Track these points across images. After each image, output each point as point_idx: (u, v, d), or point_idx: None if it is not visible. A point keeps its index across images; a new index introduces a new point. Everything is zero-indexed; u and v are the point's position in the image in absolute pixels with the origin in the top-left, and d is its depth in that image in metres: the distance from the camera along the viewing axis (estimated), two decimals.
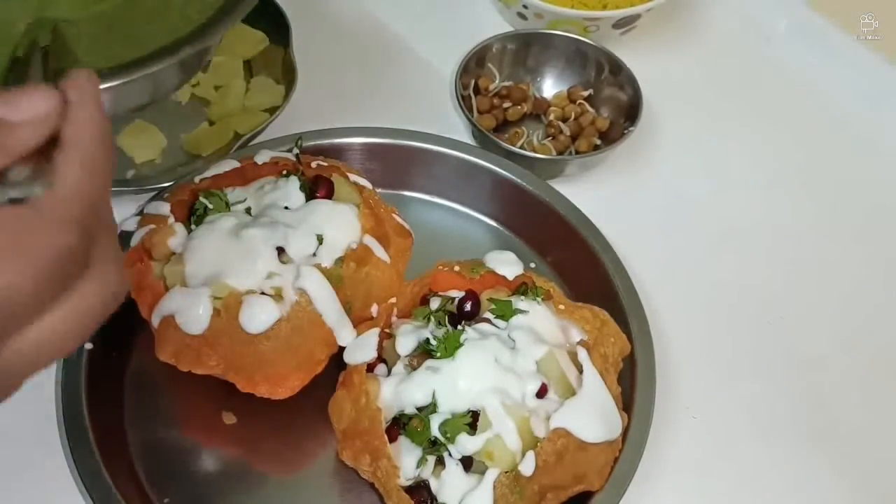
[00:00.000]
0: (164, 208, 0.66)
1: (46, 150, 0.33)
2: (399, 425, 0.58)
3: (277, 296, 0.60)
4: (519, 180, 0.75)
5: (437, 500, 0.57)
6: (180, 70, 0.61)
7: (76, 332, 0.33)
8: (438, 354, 0.59)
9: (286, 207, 0.65)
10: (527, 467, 0.55)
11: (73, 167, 0.32)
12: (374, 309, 0.65)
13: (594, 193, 0.80)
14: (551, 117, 0.86)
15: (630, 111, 0.83)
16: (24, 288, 0.30)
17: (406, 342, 0.61)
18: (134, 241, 0.64)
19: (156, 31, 0.53)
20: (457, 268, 0.66)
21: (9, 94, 0.32)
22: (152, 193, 0.72)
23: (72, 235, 0.31)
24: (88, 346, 0.63)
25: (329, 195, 0.66)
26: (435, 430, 0.57)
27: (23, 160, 0.32)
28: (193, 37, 0.53)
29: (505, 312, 0.62)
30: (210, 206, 0.65)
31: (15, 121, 0.31)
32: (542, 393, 0.58)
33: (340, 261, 0.63)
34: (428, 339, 0.60)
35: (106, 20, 0.54)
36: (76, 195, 0.32)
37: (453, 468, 0.57)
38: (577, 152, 0.82)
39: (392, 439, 0.58)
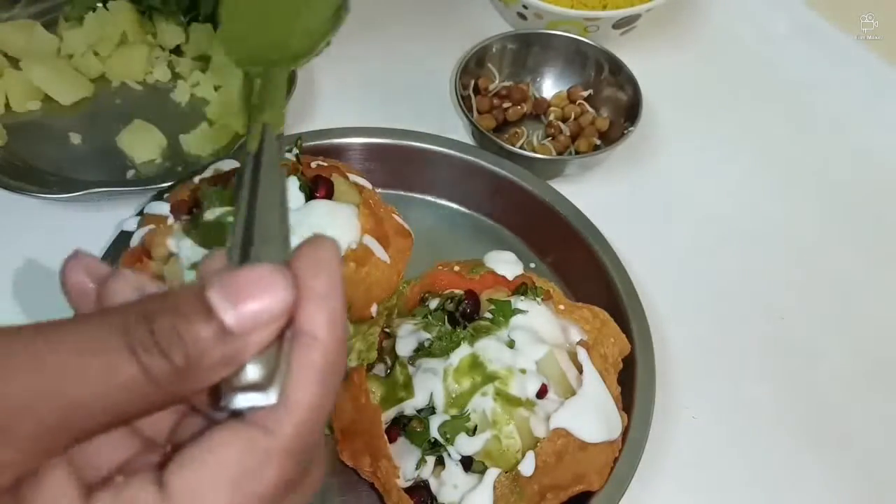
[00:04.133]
0: (164, 208, 0.66)
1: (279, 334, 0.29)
2: (399, 426, 0.58)
3: None
4: (519, 180, 0.75)
5: (437, 500, 0.57)
6: None
7: None
8: (437, 355, 0.59)
9: None
10: (527, 467, 0.55)
11: (311, 387, 0.29)
12: (374, 309, 0.65)
13: (594, 193, 0.80)
14: (551, 117, 0.86)
15: (630, 111, 0.83)
16: None
17: (406, 343, 0.61)
18: (134, 242, 0.64)
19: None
20: (457, 268, 0.66)
21: (233, 277, 0.28)
22: (152, 193, 0.72)
23: (298, 468, 0.30)
24: None
25: (329, 195, 0.66)
26: (434, 431, 0.57)
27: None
28: None
29: (505, 312, 0.62)
30: (214, 199, 0.64)
31: (240, 323, 0.27)
32: (542, 393, 0.58)
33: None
34: (428, 340, 0.60)
35: None
36: (309, 422, 0.29)
37: (453, 468, 0.57)
38: (577, 152, 0.82)
39: (392, 440, 0.58)
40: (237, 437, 0.28)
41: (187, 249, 0.62)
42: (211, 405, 0.31)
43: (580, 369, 0.60)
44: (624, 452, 0.60)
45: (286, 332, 0.29)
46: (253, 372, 0.28)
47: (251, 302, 0.27)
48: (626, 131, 0.81)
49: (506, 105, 0.86)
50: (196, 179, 0.68)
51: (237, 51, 0.45)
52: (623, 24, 0.88)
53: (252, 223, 0.31)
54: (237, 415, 0.29)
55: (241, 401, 0.28)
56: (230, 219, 0.63)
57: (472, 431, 0.56)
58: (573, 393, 0.59)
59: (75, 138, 0.81)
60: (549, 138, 0.85)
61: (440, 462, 0.57)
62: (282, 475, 0.29)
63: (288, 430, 0.28)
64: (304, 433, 0.29)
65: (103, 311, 0.29)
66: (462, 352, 0.59)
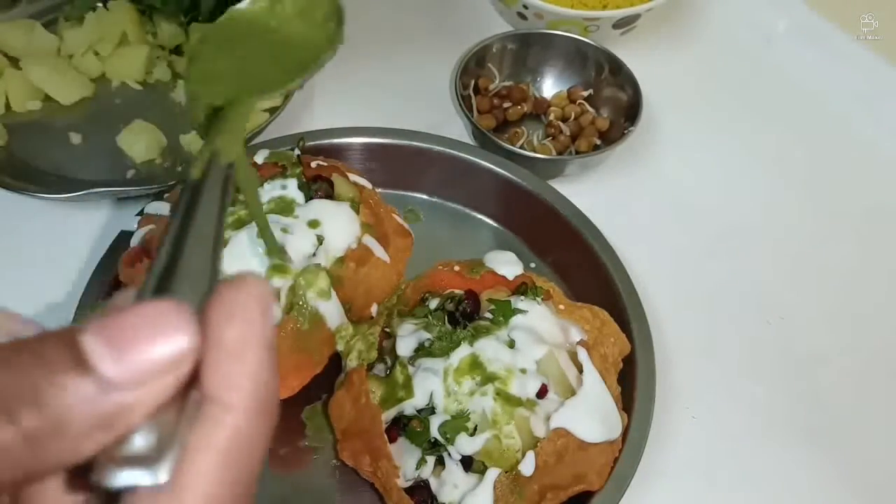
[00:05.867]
0: (164, 208, 0.66)
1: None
2: (399, 426, 0.58)
3: (276, 296, 0.60)
4: (519, 180, 0.75)
5: (437, 500, 0.57)
6: None
7: None
8: (437, 355, 0.59)
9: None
10: (527, 467, 0.55)
11: (210, 472, 0.22)
12: (374, 309, 0.65)
13: (594, 193, 0.80)
14: (551, 117, 0.86)
15: (630, 111, 0.83)
16: None
17: (406, 343, 0.61)
18: (134, 241, 0.64)
19: None
20: (457, 268, 0.66)
21: (117, 316, 0.22)
22: (152, 193, 0.72)
23: None
24: None
25: (329, 195, 0.66)
26: (434, 431, 0.57)
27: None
28: None
29: (505, 312, 0.62)
30: None
31: (121, 374, 0.21)
32: (542, 393, 0.58)
33: (340, 261, 0.63)
34: (428, 340, 0.60)
35: None
36: None
37: (453, 468, 0.57)
38: (577, 152, 0.82)
39: (392, 440, 0.58)
40: None
41: None
42: (77, 484, 0.24)
43: (580, 369, 0.60)
44: (624, 452, 0.60)
45: (193, 392, 0.23)
46: (141, 441, 0.22)
47: (138, 347, 0.21)
48: (626, 131, 0.81)
49: (506, 105, 0.86)
50: None
51: (205, 93, 0.38)
52: (623, 24, 0.88)
53: (176, 260, 0.26)
54: (115, 498, 0.23)
55: (120, 478, 0.22)
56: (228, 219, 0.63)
57: (472, 431, 0.56)
58: (573, 393, 0.59)
59: (75, 138, 0.81)
60: (549, 138, 0.85)
61: (440, 462, 0.57)
62: None
63: None
64: None
65: None
66: (462, 352, 0.59)
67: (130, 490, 0.22)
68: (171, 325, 0.22)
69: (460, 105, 0.81)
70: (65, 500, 0.24)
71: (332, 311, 0.61)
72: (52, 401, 0.21)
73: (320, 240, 0.63)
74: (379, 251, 0.65)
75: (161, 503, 0.22)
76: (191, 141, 0.81)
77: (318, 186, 0.66)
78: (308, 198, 0.66)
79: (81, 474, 0.23)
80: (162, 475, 0.22)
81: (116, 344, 0.21)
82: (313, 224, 0.63)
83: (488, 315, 0.63)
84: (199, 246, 0.27)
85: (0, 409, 0.20)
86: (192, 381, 0.23)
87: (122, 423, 0.22)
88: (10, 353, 0.21)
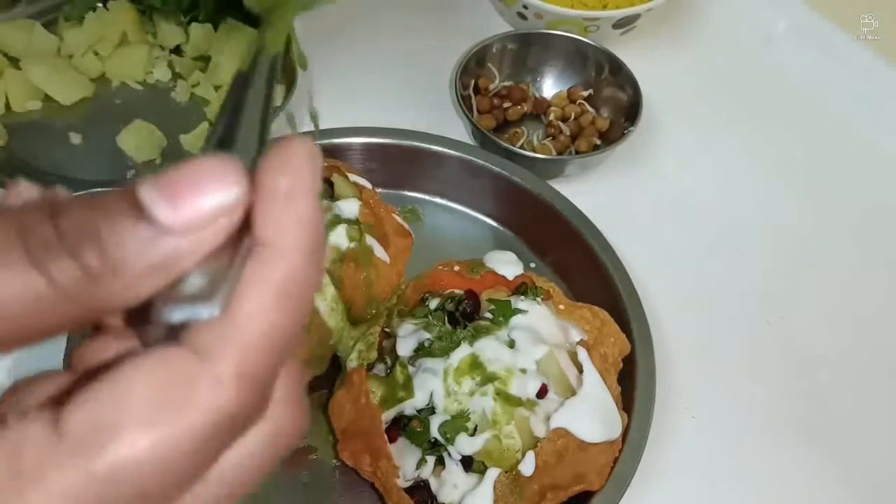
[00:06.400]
0: None
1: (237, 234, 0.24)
2: (399, 426, 0.58)
3: None
4: (519, 180, 0.75)
5: (437, 500, 0.57)
6: None
7: (236, 491, 0.25)
8: (437, 355, 0.59)
9: None
10: (527, 467, 0.55)
11: (265, 303, 0.23)
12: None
13: (594, 193, 0.80)
14: (551, 117, 0.86)
15: (630, 111, 0.83)
16: (173, 461, 0.22)
17: (406, 343, 0.61)
18: None
19: None
20: (457, 268, 0.66)
21: (171, 172, 0.23)
22: None
23: (239, 399, 0.23)
24: None
25: (328, 195, 0.66)
26: (434, 431, 0.57)
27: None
28: None
29: (505, 312, 0.62)
30: None
31: (175, 218, 0.22)
32: (542, 393, 0.58)
33: (340, 261, 0.63)
34: (428, 340, 0.60)
35: None
36: (260, 345, 0.23)
37: (453, 468, 0.57)
38: (577, 152, 0.82)
39: (392, 440, 0.58)
40: (156, 362, 0.22)
41: None
42: (139, 323, 0.25)
43: (580, 369, 0.60)
44: (624, 452, 0.60)
45: (243, 241, 0.24)
46: (195, 281, 0.23)
47: (191, 194, 0.22)
48: (626, 131, 0.81)
49: (506, 105, 0.86)
50: None
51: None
52: (623, 23, 0.88)
53: (230, 133, 0.27)
54: (173, 335, 0.23)
55: (176, 313, 0.23)
56: None
57: (472, 431, 0.56)
58: (573, 393, 0.59)
59: (75, 138, 0.81)
60: (549, 138, 0.85)
61: (440, 462, 0.57)
62: (219, 408, 0.22)
63: (230, 352, 0.23)
64: (254, 359, 0.23)
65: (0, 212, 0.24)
66: (462, 352, 0.59)
67: (187, 324, 0.23)
68: (222, 175, 0.23)
69: (460, 105, 0.81)
70: (123, 343, 0.25)
71: (332, 311, 0.61)
72: (112, 243, 0.22)
73: None
74: (379, 251, 0.65)
75: (217, 330, 0.23)
76: (190, 141, 0.81)
77: None
78: None
79: (140, 319, 0.25)
80: (216, 308, 0.23)
81: (171, 194, 0.22)
82: None
83: (488, 315, 0.62)
84: (250, 121, 0.28)
85: (65, 249, 0.22)
86: (244, 233, 0.24)
87: (177, 266, 0.23)
88: (73, 204, 0.23)
